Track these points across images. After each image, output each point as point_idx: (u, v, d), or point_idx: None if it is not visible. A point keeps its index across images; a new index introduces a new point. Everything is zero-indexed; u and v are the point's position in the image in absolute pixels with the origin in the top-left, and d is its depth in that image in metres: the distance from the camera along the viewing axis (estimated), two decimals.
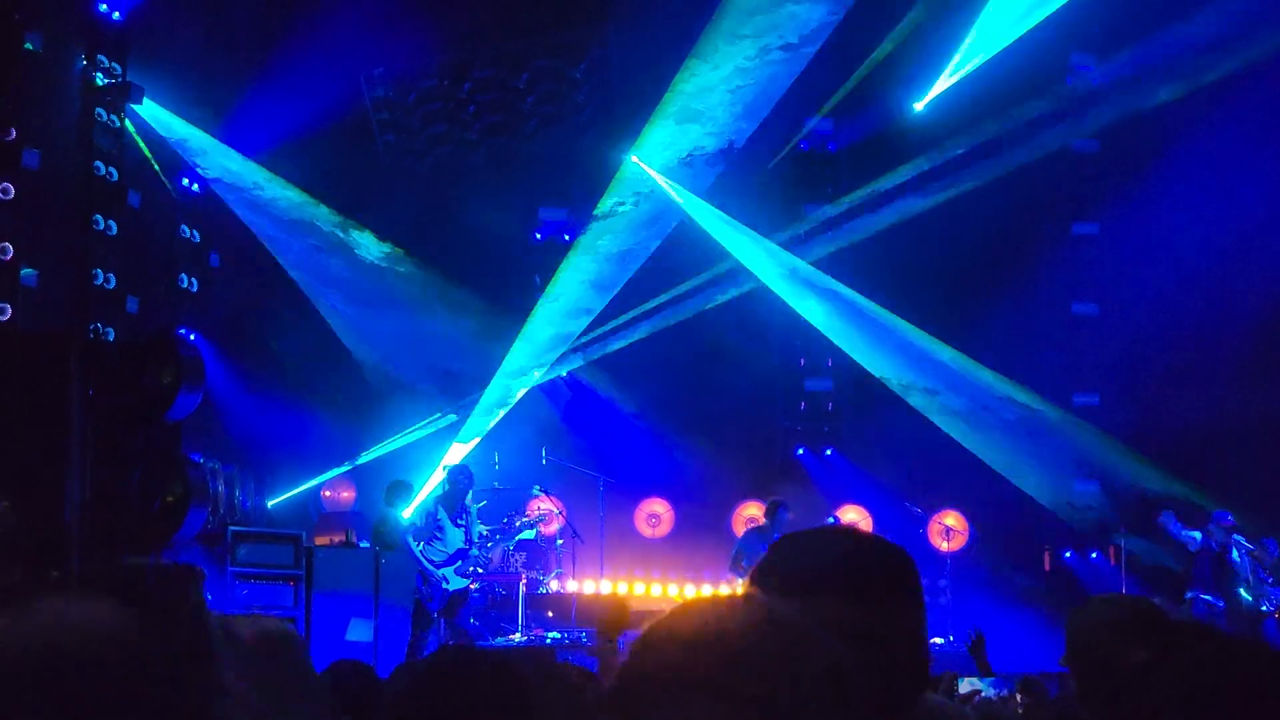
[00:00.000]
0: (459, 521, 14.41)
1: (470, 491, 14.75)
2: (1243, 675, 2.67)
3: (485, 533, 15.49)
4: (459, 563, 14.29)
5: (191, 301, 16.69)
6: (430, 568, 14.04)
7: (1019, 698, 8.45)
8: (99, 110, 14.30)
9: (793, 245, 19.82)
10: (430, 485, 17.56)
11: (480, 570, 15.93)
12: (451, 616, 14.40)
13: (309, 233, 18.81)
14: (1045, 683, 9.49)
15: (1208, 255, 18.28)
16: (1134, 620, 3.68)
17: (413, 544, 14.10)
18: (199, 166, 17.23)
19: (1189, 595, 14.76)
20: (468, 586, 14.78)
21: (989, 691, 11.96)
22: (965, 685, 11.22)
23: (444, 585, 14.11)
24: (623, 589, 18.87)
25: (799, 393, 20.79)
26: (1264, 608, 14.82)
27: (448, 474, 15.26)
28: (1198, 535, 14.85)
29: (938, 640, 14.14)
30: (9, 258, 12.76)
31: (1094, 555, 19.58)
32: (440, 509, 14.41)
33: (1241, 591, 14.82)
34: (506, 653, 12.51)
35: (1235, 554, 14.73)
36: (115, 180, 14.30)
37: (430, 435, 19.18)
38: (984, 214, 19.07)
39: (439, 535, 14.24)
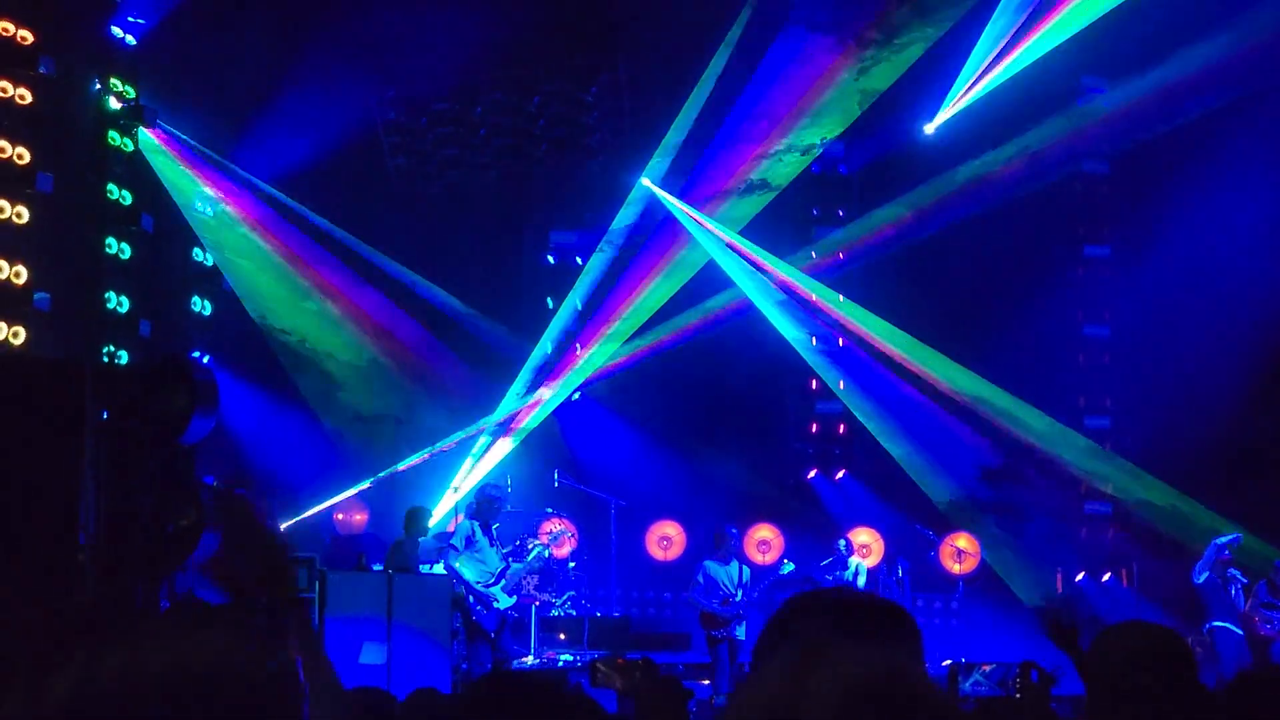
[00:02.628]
0: (493, 541, 14.22)
1: (501, 509, 14.48)
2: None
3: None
4: (504, 581, 13.99)
5: (204, 325, 16.72)
6: (480, 589, 13.85)
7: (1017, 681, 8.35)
8: (112, 134, 14.36)
9: (804, 266, 19.83)
10: (443, 508, 17.53)
11: (533, 589, 15.70)
12: (498, 637, 14.17)
13: (322, 255, 18.85)
14: (1060, 708, 9.44)
15: (1219, 276, 18.25)
16: (1151, 648, 3.67)
17: (457, 566, 13.83)
18: (212, 189, 17.28)
19: (1210, 626, 14.56)
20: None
21: (985, 686, 11.94)
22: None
23: (495, 605, 13.81)
24: (634, 612, 18.81)
25: (811, 415, 20.75)
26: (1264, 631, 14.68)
27: (479, 493, 14.78)
28: (1206, 573, 14.72)
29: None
30: (23, 281, 12.81)
31: (1107, 578, 19.49)
32: (477, 529, 14.09)
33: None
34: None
35: (1231, 589, 14.63)
36: (128, 204, 14.35)
37: (437, 459, 19.13)
38: (995, 236, 19.08)
39: (478, 556, 13.94)
